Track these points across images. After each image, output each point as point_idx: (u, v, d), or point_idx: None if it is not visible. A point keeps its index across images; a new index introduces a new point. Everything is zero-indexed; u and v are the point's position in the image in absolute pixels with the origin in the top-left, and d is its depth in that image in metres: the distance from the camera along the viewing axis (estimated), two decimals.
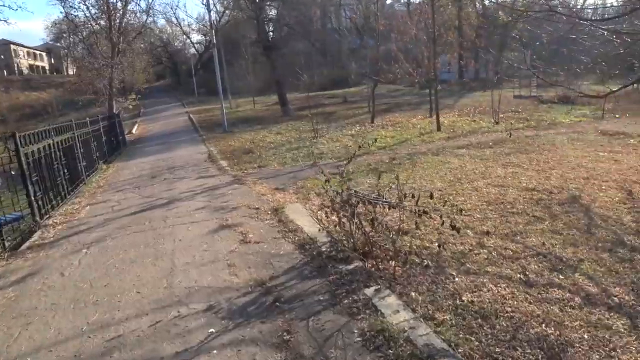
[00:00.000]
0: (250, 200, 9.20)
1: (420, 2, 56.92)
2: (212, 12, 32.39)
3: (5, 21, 37.51)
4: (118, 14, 30.60)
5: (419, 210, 4.97)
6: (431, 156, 12.83)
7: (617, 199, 7.49)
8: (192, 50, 74.31)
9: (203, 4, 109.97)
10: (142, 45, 48.18)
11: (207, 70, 66.45)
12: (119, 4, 30.66)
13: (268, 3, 31.52)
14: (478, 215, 7.03)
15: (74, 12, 30.26)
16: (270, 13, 32.49)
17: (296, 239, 6.63)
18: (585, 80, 23.82)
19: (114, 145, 20.09)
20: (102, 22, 30.71)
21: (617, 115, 19.53)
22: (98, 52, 30.71)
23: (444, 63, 50.60)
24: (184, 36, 73.67)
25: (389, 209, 5.66)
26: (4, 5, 49.44)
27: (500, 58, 40.83)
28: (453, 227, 4.95)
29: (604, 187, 8.20)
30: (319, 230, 6.71)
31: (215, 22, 64.03)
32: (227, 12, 50.07)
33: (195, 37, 74.31)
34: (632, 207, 7.02)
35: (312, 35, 47.77)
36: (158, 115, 41.24)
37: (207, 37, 70.47)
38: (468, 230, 6.36)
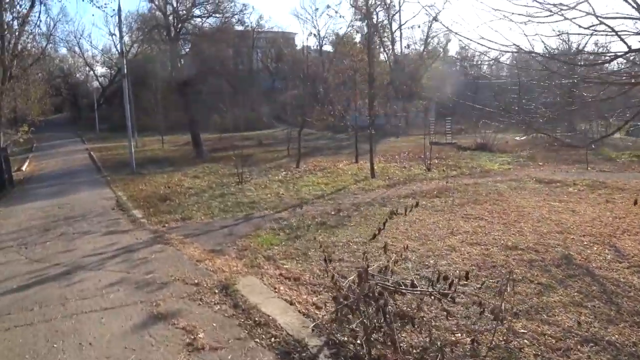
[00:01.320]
0: (185, 270, 6.87)
1: (333, 50, 57.99)
2: (122, 40, 29.19)
3: None
4: (13, 34, 26.76)
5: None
6: (379, 207, 11.53)
7: (609, 257, 6.96)
8: (95, 84, 69.28)
9: (111, 34, 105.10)
10: (39, 74, 43.63)
11: (111, 106, 61.96)
12: (15, 22, 26.87)
13: (183, 36, 29.23)
14: (476, 285, 5.59)
15: None
16: (185, 48, 30.21)
17: (272, 340, 4.52)
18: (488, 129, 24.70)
19: None
20: None
21: (540, 163, 19.75)
22: None
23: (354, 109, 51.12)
24: (87, 68, 68.67)
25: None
26: None
27: (408, 106, 41.67)
28: (496, 316, 3.34)
29: (586, 243, 7.63)
30: (301, 323, 4.70)
31: (124, 52, 60.24)
32: (135, 44, 46.84)
33: (100, 69, 69.10)
34: (631, 267, 6.54)
35: (225, 74, 45.86)
36: (54, 151, 36.78)
37: (112, 71, 66.26)
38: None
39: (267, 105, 56.93)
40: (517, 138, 26.07)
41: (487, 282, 5.76)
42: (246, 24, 30.64)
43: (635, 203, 5.58)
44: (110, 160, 27.36)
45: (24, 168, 27.37)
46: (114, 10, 69.97)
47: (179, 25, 27.92)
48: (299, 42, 67.81)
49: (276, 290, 5.86)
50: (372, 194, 13.66)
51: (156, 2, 27.36)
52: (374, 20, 45.40)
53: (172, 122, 42.73)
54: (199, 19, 29.26)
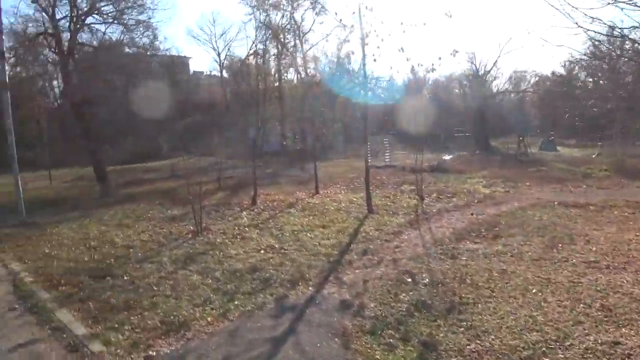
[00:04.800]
0: None
1: (230, 75, 52.67)
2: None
3: None
4: None
5: None
6: (458, 261, 7.96)
7: None
8: None
9: None
10: None
11: None
12: None
13: (79, 44, 22.41)
14: None
15: None
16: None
17: None
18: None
19: None
20: None
21: (527, 184, 17.23)
22: None
23: (267, 133, 46.14)
24: None
25: None
26: None
27: (323, 129, 37.91)
28: None
29: None
30: None
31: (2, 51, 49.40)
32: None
33: None
34: None
35: (119, 100, 38.69)
36: None
37: None
38: None
39: (164, 134, 50.13)
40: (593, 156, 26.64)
41: None
42: (143, 43, 24.67)
43: None
44: None
45: None
46: None
47: (75, 28, 21.10)
48: (193, 67, 61.79)
49: None
50: (406, 237, 9.84)
51: (42, 3, 20.33)
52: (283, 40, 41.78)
53: (56, 155, 34.69)
54: (100, 25, 22.54)
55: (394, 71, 71.01)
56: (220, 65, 52.94)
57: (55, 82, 52.86)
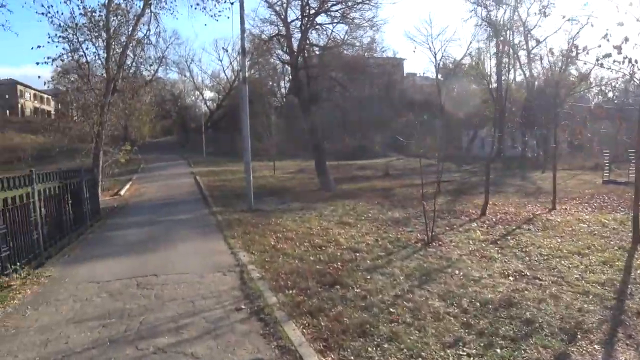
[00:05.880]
0: None
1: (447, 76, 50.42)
2: (232, 63, 22.71)
3: None
4: (120, 39, 21.76)
5: None
6: None
7: None
8: (204, 108, 66.04)
9: (219, 59, 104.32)
10: (150, 96, 39.84)
11: (218, 130, 58.14)
12: (124, 28, 21.86)
13: (308, 45, 22.87)
14: None
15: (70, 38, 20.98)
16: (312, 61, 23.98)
17: None
18: None
19: (67, 224, 10.67)
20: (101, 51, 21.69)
21: None
22: (88, 85, 21.65)
23: (482, 137, 42.90)
24: (196, 92, 65.70)
25: None
26: None
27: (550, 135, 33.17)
28: None
29: None
30: None
31: (235, 74, 56.34)
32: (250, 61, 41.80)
33: (208, 94, 65.94)
34: None
35: (339, 97, 39.55)
36: (158, 174, 31.85)
37: (220, 95, 62.72)
38: None
39: (378, 133, 50.41)
40: None
41: None
42: (363, 43, 24.31)
43: None
44: (218, 188, 21.38)
45: (122, 192, 22.06)
46: (227, 17, 67.62)
47: (305, 28, 21.58)
48: (408, 68, 61.18)
49: None
50: None
51: (276, 8, 21.24)
52: (507, 38, 38.07)
53: (282, 146, 37.11)
54: (328, 25, 22.76)
55: None
56: (435, 67, 51.11)
57: (282, 83, 57.67)
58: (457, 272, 7.23)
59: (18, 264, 7.51)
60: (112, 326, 5.29)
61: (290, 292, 6.21)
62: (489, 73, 41.47)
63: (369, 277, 6.93)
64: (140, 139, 33.89)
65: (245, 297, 6.13)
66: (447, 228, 10.89)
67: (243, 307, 5.74)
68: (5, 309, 6.06)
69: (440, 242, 9.26)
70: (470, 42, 74.31)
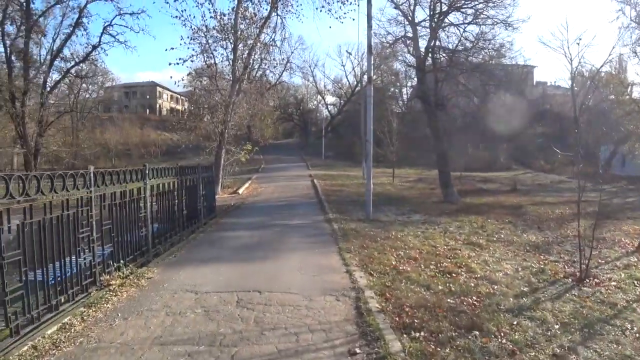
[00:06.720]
0: None
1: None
2: (355, 69, 21.46)
3: (124, 43, 30.46)
4: (247, 42, 21.77)
5: None
6: None
7: None
8: (325, 112, 66.55)
9: (342, 65, 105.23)
10: (274, 99, 40.51)
11: (337, 134, 58.14)
12: (251, 29, 21.84)
13: (436, 48, 21.03)
14: None
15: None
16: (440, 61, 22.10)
17: None
18: None
19: (180, 222, 10.27)
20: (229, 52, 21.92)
21: None
22: (215, 85, 21.99)
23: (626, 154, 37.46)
24: (318, 97, 66.38)
25: None
26: (126, 27, 45.44)
27: None
28: None
29: None
30: None
31: (357, 79, 56.01)
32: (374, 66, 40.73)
33: (329, 98, 66.27)
34: None
35: (466, 107, 36.95)
36: (277, 175, 32.04)
37: (342, 100, 62.65)
38: None
39: (504, 145, 46.48)
40: None
41: None
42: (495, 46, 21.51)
43: None
44: (335, 193, 20.42)
45: (241, 190, 22.12)
46: (353, 19, 67.36)
47: (435, 26, 19.80)
48: (538, 76, 55.95)
49: None
50: None
51: (402, 8, 19.73)
52: None
53: (400, 154, 35.51)
54: (458, 28, 20.75)
55: None
56: (571, 74, 45.71)
57: (404, 90, 55.98)
58: (628, 325, 5.32)
59: (122, 261, 7.02)
60: (199, 357, 4.32)
61: (418, 335, 4.81)
62: (632, 82, 35.98)
63: (514, 322, 5.30)
64: (262, 140, 34.37)
65: (362, 335, 4.83)
66: (600, 260, 8.66)
67: (358, 351, 4.44)
68: (96, 314, 5.46)
69: (596, 280, 7.22)
70: (613, 48, 66.01)
